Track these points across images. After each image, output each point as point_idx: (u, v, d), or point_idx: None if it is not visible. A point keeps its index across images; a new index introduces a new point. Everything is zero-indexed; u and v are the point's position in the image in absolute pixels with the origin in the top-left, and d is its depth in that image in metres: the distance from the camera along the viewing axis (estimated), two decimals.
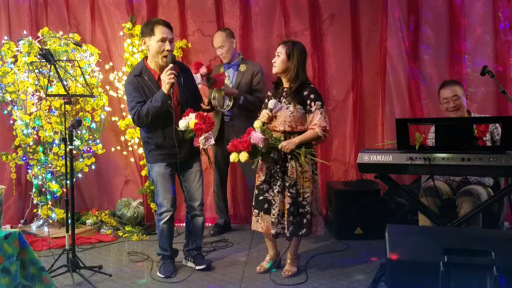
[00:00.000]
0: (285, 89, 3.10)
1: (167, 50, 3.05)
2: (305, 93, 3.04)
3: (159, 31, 3.04)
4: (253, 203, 3.18)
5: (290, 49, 3.05)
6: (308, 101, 3.02)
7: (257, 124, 3.00)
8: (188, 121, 2.98)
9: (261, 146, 2.90)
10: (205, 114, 3.01)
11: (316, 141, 3.08)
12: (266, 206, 3.10)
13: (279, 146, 2.97)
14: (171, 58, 3.03)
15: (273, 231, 3.04)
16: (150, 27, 3.07)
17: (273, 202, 3.04)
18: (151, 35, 3.05)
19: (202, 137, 2.96)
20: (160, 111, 3.01)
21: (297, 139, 2.99)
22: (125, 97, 4.24)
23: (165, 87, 2.99)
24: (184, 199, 3.30)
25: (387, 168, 2.77)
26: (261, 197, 3.11)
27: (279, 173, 3.04)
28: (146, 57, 3.20)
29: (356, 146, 4.46)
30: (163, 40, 3.04)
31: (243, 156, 2.88)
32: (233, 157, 2.92)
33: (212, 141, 3.02)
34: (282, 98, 3.08)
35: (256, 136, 2.91)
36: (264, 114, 3.07)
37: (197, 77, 3.51)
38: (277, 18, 4.51)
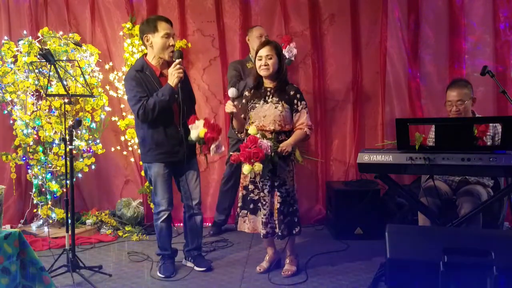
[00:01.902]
0: (269, 89, 3.10)
1: (172, 45, 3.08)
2: (292, 92, 3.06)
3: (163, 27, 3.06)
4: (240, 204, 3.16)
5: (279, 49, 3.09)
6: (295, 101, 3.05)
7: (253, 130, 2.95)
8: (198, 131, 2.98)
9: (270, 153, 2.87)
10: (212, 121, 3.01)
11: (303, 140, 3.10)
12: (252, 206, 3.10)
13: (279, 150, 2.94)
14: (179, 53, 3.05)
15: (263, 231, 3.03)
16: (153, 24, 3.07)
17: (264, 202, 3.04)
18: (155, 32, 3.06)
19: (213, 146, 2.98)
20: (168, 105, 3.02)
21: (291, 141, 3.00)
22: (125, 96, 4.27)
23: (172, 81, 2.99)
24: (181, 198, 3.31)
25: (387, 168, 2.77)
26: (248, 198, 3.11)
27: (268, 173, 3.03)
28: (145, 54, 3.20)
29: (356, 146, 4.46)
30: (167, 36, 3.06)
31: (258, 167, 2.82)
32: (247, 169, 2.83)
33: (223, 148, 3.07)
34: (267, 98, 3.08)
35: (265, 144, 2.86)
36: (229, 107, 3.00)
37: (292, 49, 3.93)
38: (277, 18, 4.51)
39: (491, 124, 3.18)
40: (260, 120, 3.05)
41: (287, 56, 3.84)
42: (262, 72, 3.07)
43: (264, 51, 3.05)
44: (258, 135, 2.92)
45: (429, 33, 4.38)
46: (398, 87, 4.42)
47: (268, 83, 3.12)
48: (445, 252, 2.13)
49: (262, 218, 3.04)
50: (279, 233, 3.02)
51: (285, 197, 3.04)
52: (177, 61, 3.01)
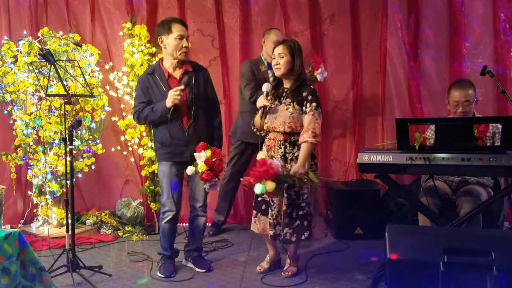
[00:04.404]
0: (285, 89, 3.08)
1: (185, 47, 3.12)
2: (304, 93, 3.00)
3: (177, 29, 3.11)
4: (253, 204, 3.17)
5: (293, 48, 3.02)
6: (305, 102, 2.98)
7: (263, 154, 2.85)
8: (198, 163, 2.96)
9: (282, 172, 2.77)
10: (214, 160, 2.95)
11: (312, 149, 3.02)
12: (263, 207, 3.09)
13: (292, 172, 2.84)
14: (186, 80, 3.08)
15: (271, 232, 3.02)
16: (168, 26, 3.12)
17: (272, 203, 3.02)
18: (169, 33, 3.10)
19: (207, 184, 2.99)
20: (158, 120, 3.11)
21: (303, 161, 2.89)
22: (125, 96, 4.31)
23: (168, 103, 3.03)
24: (188, 198, 3.31)
25: (387, 168, 2.77)
26: (259, 198, 3.10)
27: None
28: (161, 59, 3.25)
29: (356, 146, 4.46)
30: (181, 37, 3.11)
31: (271, 185, 2.69)
32: (260, 189, 2.70)
33: (216, 188, 3.08)
34: (282, 98, 3.06)
35: (275, 163, 2.77)
36: (262, 100, 2.97)
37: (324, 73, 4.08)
38: (277, 18, 4.51)
39: (492, 127, 3.18)
40: (272, 121, 3.02)
41: (318, 79, 4.07)
42: (275, 72, 3.04)
43: (277, 50, 3.02)
44: (267, 157, 2.81)
45: (429, 33, 4.38)
46: (398, 87, 4.43)
47: (285, 83, 3.08)
48: (445, 252, 2.12)
49: (269, 219, 3.03)
50: (282, 237, 3.00)
51: (293, 200, 2.99)
52: (181, 87, 3.04)
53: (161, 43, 3.16)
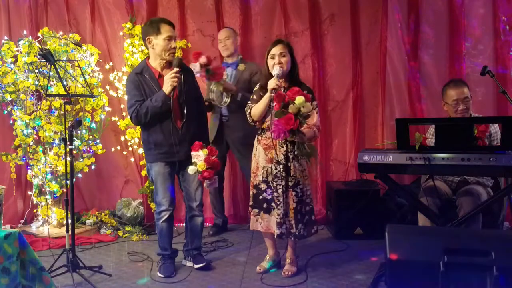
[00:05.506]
0: (282, 89, 3.04)
1: (174, 48, 3.11)
2: (304, 91, 2.99)
3: (165, 30, 3.09)
4: (251, 203, 3.16)
5: (291, 47, 3.07)
6: None
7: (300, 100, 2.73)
8: (197, 162, 2.96)
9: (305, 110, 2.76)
10: (213, 157, 2.95)
11: (311, 139, 3.04)
12: (265, 205, 3.09)
13: (304, 125, 2.82)
14: (178, 61, 3.06)
15: (278, 232, 3.01)
16: (156, 26, 3.09)
17: (278, 202, 3.02)
18: (158, 34, 3.08)
19: (208, 182, 2.98)
20: (160, 111, 3.04)
21: (307, 131, 2.92)
22: (125, 96, 4.29)
23: (167, 88, 3.01)
24: (183, 198, 3.31)
25: (387, 168, 2.77)
26: (260, 197, 3.10)
27: (283, 173, 3.02)
28: (148, 57, 3.22)
29: (356, 146, 4.46)
30: (170, 38, 3.09)
31: (301, 100, 2.69)
32: (302, 99, 2.69)
33: (216, 185, 3.09)
34: None
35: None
36: (273, 82, 2.91)
37: (196, 67, 3.41)
38: (277, 18, 4.51)
39: (492, 128, 3.18)
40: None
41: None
42: (277, 70, 3.00)
43: (276, 49, 3.01)
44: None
45: (429, 33, 4.38)
46: (398, 87, 4.42)
47: (281, 83, 3.06)
48: (445, 252, 2.12)
49: (276, 218, 3.03)
50: (297, 233, 3.02)
51: (301, 197, 3.03)
52: (174, 69, 3.03)
53: (149, 43, 3.12)
